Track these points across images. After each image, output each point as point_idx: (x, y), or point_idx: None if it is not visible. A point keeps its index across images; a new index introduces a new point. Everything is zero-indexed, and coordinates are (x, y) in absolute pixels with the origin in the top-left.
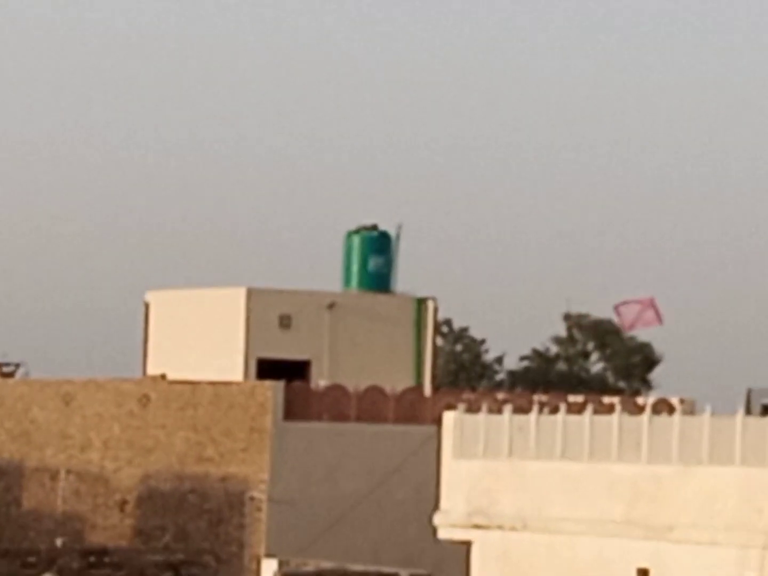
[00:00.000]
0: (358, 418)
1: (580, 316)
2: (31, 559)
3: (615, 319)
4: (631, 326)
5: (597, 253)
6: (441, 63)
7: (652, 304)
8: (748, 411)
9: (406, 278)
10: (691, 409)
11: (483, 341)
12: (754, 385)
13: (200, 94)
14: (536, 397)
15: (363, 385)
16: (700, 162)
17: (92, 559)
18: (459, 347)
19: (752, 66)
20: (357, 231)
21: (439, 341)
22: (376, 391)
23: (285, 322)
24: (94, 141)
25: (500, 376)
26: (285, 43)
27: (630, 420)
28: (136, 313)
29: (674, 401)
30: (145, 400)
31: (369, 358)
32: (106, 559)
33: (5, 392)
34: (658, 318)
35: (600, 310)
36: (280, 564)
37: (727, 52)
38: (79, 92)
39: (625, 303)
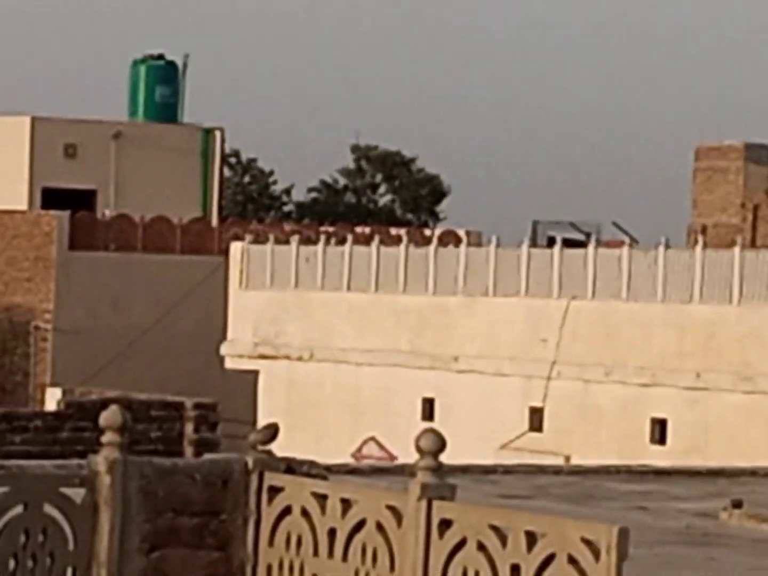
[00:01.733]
0: (145, 248)
1: (369, 148)
2: None
3: None
4: None
5: (386, 86)
6: None
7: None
8: (534, 243)
9: (194, 109)
10: (477, 240)
11: (271, 173)
12: (541, 218)
13: None
14: (324, 229)
15: (149, 215)
16: None
17: None
18: (247, 179)
19: None
20: (143, 60)
21: (227, 172)
22: (162, 221)
23: (70, 151)
24: None
25: (288, 208)
26: None
27: (417, 251)
28: None
29: (461, 233)
30: None
31: (155, 188)
32: None
33: None
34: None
35: (388, 141)
36: (64, 393)
37: None
38: None
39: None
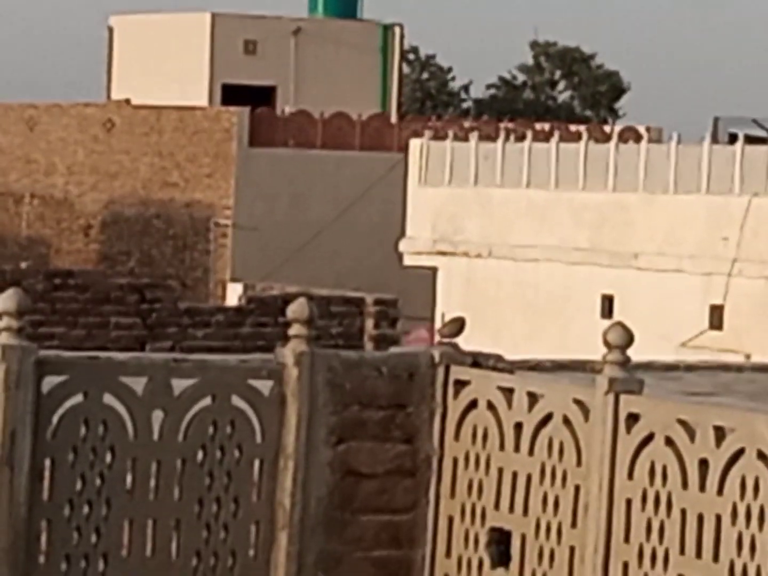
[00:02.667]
0: (324, 145)
1: (548, 44)
2: None
3: None
4: None
5: None
6: None
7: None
8: (715, 139)
9: (373, 4)
10: (658, 137)
11: (450, 69)
12: (722, 114)
13: None
14: (503, 125)
15: (328, 111)
16: None
17: (57, 281)
18: (425, 75)
19: None
20: None
21: (406, 69)
22: (341, 117)
23: (250, 47)
24: None
25: (467, 105)
26: None
27: (596, 148)
28: (101, 38)
29: (641, 129)
30: (109, 125)
31: (334, 84)
32: (71, 282)
33: None
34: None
35: (567, 38)
36: (245, 288)
37: None
38: None
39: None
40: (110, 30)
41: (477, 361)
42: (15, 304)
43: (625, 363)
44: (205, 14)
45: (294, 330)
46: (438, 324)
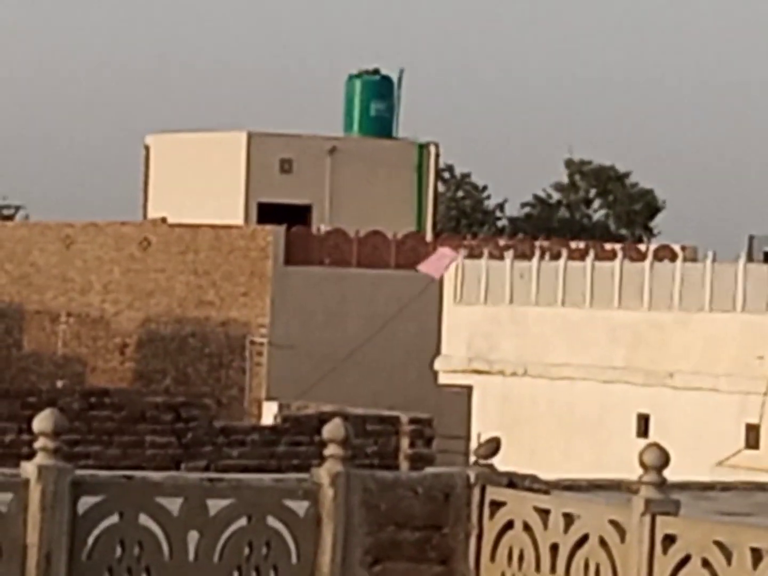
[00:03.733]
0: (359, 263)
1: (582, 163)
2: (32, 400)
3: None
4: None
5: (599, 100)
6: None
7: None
8: (750, 258)
9: (408, 123)
10: (693, 255)
11: (485, 187)
12: (757, 232)
13: None
14: (538, 244)
15: (364, 230)
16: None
17: (93, 400)
18: (460, 193)
19: None
20: (359, 75)
21: (441, 187)
22: (377, 236)
23: (286, 166)
24: None
25: (502, 223)
26: None
27: (632, 266)
28: (137, 156)
29: (676, 248)
30: (145, 244)
31: (370, 203)
32: (107, 401)
33: (5, 235)
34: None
35: (602, 156)
36: (281, 407)
37: None
38: None
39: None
40: (147, 149)
41: (513, 481)
42: (51, 425)
43: (661, 484)
44: (242, 133)
45: (329, 450)
46: (474, 444)
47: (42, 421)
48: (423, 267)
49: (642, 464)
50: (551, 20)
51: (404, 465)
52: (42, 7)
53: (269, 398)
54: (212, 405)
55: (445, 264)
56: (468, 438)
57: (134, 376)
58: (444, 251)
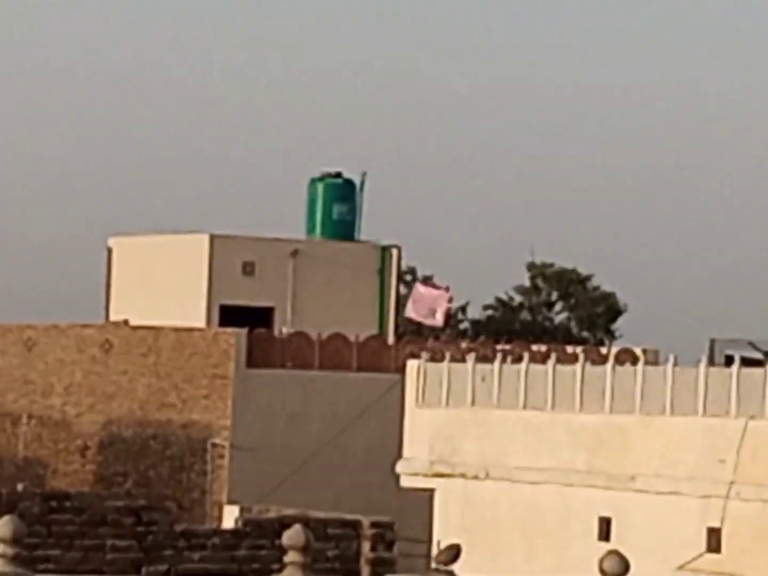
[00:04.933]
0: (321, 366)
1: (544, 266)
2: None
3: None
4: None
5: (560, 202)
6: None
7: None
8: (711, 361)
9: (370, 226)
10: (654, 359)
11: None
12: (718, 336)
13: (166, 33)
14: (500, 347)
15: (326, 332)
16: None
17: (53, 503)
18: None
19: None
20: (321, 178)
21: (403, 289)
22: (339, 338)
23: (248, 269)
24: (59, 80)
25: (464, 325)
26: None
27: (593, 370)
28: (99, 258)
29: (638, 351)
30: (107, 346)
31: (332, 305)
32: (68, 504)
33: None
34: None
35: (564, 259)
36: (242, 511)
37: None
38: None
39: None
40: (109, 250)
41: None
42: (10, 532)
43: None
44: (204, 236)
45: (289, 557)
46: (434, 549)
47: (1, 528)
48: (412, 313)
49: (602, 572)
50: (510, 124)
51: (365, 569)
52: (8, 105)
53: (231, 501)
54: (173, 508)
55: (430, 303)
56: (430, 542)
57: (95, 478)
58: (426, 291)
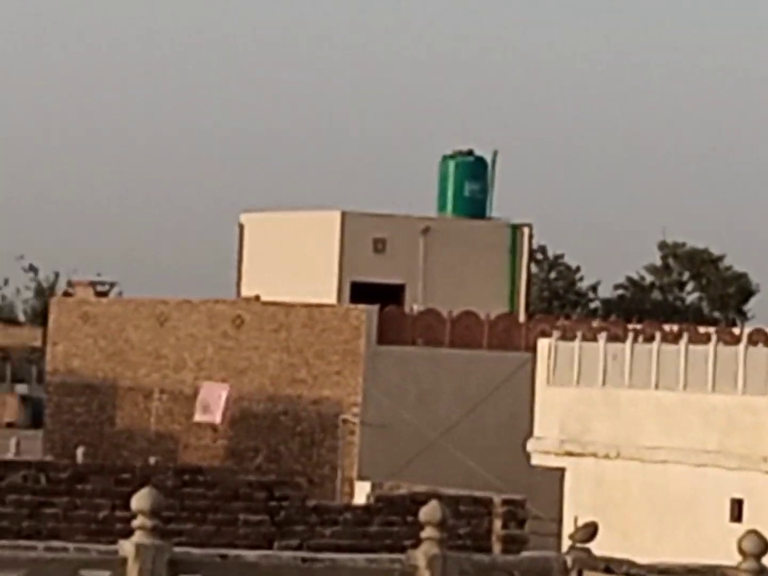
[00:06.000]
0: (452, 343)
1: (676, 245)
2: (125, 476)
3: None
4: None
5: (695, 182)
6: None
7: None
8: None
9: (502, 204)
10: None
11: (577, 269)
12: None
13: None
14: (631, 326)
15: (457, 310)
16: None
17: (186, 477)
18: (553, 274)
19: None
20: (452, 156)
21: (534, 268)
22: (470, 316)
23: (379, 245)
24: (191, 59)
25: (594, 305)
26: None
27: (726, 350)
28: (231, 235)
29: None
30: (238, 322)
31: (463, 283)
32: (200, 478)
33: (99, 311)
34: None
35: (696, 239)
36: (373, 487)
37: None
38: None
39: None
40: (241, 227)
41: (609, 567)
42: (149, 504)
43: (760, 572)
44: (335, 212)
45: (426, 532)
46: (567, 526)
47: (140, 500)
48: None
49: (741, 551)
50: (647, 102)
51: (497, 547)
52: (139, 88)
53: (361, 477)
54: (304, 484)
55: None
56: (560, 520)
57: (226, 453)
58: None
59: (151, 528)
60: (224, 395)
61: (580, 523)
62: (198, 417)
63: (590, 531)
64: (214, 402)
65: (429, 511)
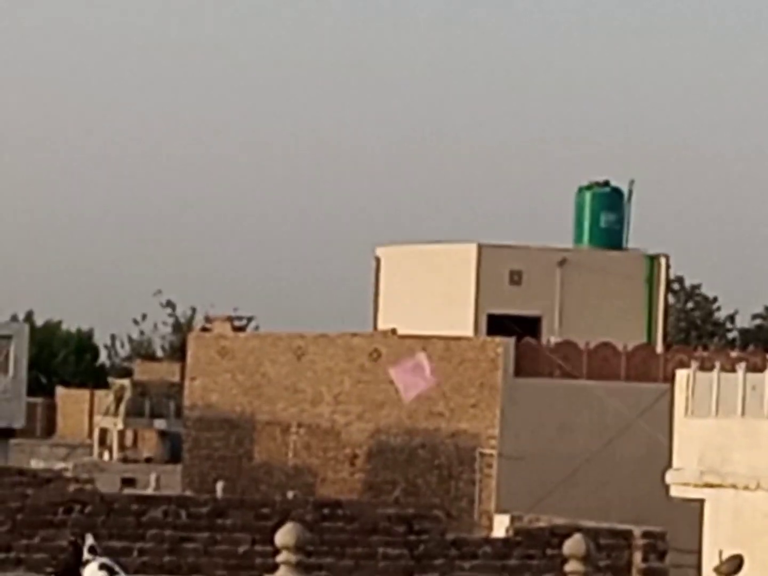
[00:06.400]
0: (589, 375)
1: None
2: (265, 511)
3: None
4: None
5: None
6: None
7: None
8: None
9: (638, 235)
10: None
11: (715, 299)
12: None
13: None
14: None
15: (594, 341)
16: None
17: (326, 511)
18: (690, 305)
19: None
20: (589, 187)
21: (671, 299)
22: (607, 347)
23: (516, 277)
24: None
25: (732, 335)
26: None
27: None
28: (367, 268)
29: None
30: (375, 355)
31: (600, 314)
32: (339, 512)
33: (237, 346)
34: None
35: None
36: (512, 520)
37: None
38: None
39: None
40: (377, 260)
41: None
42: (294, 539)
43: None
44: (472, 245)
45: (570, 566)
46: (710, 560)
47: (284, 535)
48: (397, 374)
49: None
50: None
51: None
52: (279, 129)
53: (499, 510)
54: (443, 517)
55: (416, 377)
56: (700, 552)
57: (364, 487)
58: (417, 362)
59: (295, 563)
60: (423, 359)
61: (725, 556)
62: (410, 391)
63: (736, 564)
64: (417, 372)
65: (573, 545)
